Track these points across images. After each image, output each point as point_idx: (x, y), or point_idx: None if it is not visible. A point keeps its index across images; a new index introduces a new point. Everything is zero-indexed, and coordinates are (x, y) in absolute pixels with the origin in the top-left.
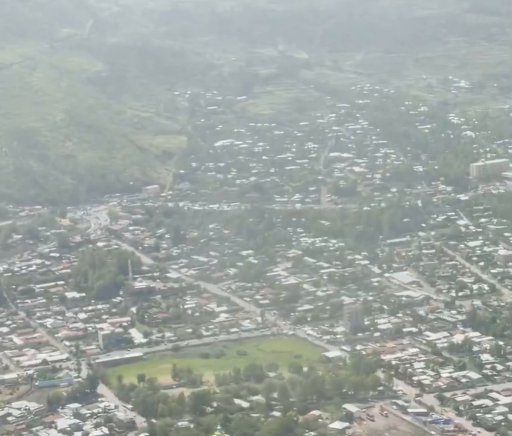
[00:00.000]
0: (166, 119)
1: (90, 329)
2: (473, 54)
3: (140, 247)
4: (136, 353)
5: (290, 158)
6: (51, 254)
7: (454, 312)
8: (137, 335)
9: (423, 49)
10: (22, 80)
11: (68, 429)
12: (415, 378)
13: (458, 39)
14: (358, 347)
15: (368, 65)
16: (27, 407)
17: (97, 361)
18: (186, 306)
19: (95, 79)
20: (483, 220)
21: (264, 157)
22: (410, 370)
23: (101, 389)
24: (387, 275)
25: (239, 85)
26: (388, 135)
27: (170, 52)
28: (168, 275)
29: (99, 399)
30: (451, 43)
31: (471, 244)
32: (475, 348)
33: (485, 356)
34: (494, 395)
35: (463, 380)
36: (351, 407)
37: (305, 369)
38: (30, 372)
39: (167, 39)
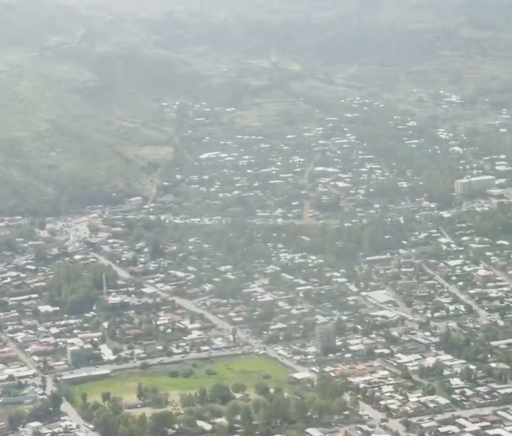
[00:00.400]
0: (152, 130)
1: (61, 344)
2: (466, 69)
3: (118, 261)
4: (104, 370)
5: (274, 172)
6: (27, 267)
7: (428, 333)
8: (106, 352)
9: (416, 62)
10: (9, 89)
11: None
12: (382, 402)
13: (452, 53)
14: (328, 368)
15: (360, 78)
16: None
17: (63, 378)
18: (158, 322)
19: (83, 88)
20: (465, 238)
21: (248, 171)
22: (377, 394)
23: (65, 407)
24: (363, 293)
25: (229, 96)
26: (374, 150)
27: (159, 62)
28: (143, 290)
29: (62, 418)
30: (445, 57)
31: (452, 263)
32: (446, 372)
33: (455, 381)
34: (461, 421)
35: (431, 405)
36: (314, 432)
37: (272, 390)
38: None
39: (159, 48)
